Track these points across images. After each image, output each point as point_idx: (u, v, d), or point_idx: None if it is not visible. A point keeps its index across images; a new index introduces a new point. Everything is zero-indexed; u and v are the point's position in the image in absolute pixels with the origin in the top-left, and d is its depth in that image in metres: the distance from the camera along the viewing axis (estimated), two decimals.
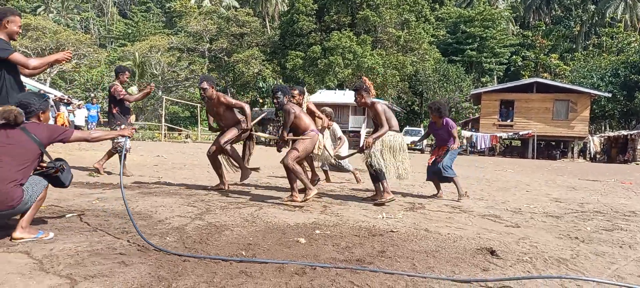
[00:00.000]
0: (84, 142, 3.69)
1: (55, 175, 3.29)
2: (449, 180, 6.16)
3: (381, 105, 5.30)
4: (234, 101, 5.82)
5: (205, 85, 5.70)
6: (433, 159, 6.24)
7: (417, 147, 27.72)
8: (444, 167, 6.05)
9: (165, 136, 25.10)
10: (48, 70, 31.66)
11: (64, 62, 4.19)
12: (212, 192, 5.85)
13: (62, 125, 16.62)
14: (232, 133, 5.87)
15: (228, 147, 5.87)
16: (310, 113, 5.82)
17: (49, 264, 2.60)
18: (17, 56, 3.92)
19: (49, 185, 3.30)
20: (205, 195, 5.52)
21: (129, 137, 4.00)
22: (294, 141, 5.21)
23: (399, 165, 5.44)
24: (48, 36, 35.07)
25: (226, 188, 6.12)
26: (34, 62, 4.05)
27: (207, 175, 7.72)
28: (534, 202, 6.29)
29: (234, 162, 6.04)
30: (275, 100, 5.34)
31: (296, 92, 5.81)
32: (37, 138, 3.13)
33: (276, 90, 5.37)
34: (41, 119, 3.37)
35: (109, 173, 7.15)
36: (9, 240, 3.04)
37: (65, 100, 23.20)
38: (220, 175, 6.19)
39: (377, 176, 5.39)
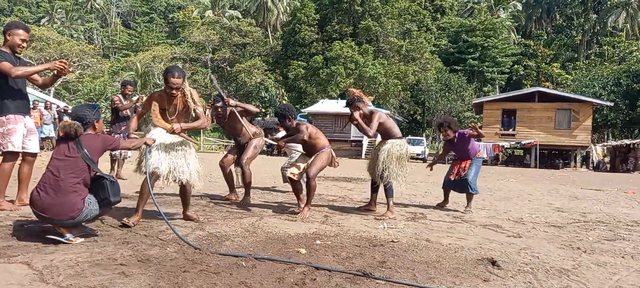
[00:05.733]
0: (128, 149, 3.96)
1: (103, 196, 3.45)
2: (470, 194, 6.02)
3: (378, 114, 5.21)
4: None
5: (221, 103, 5.69)
6: (456, 172, 6.07)
7: (420, 157, 27.69)
8: (470, 183, 5.89)
9: None
10: None
11: (63, 70, 4.26)
12: (213, 202, 5.85)
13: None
14: (252, 151, 5.87)
15: (247, 168, 5.82)
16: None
17: (49, 275, 2.60)
18: (1, 66, 4.23)
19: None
20: (205, 205, 5.52)
21: (149, 144, 4.01)
22: (314, 155, 5.08)
23: (402, 173, 5.31)
24: (52, 47, 35.34)
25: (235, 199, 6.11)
26: (17, 71, 4.33)
27: (209, 185, 7.73)
28: (536, 212, 6.27)
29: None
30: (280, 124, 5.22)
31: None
32: (88, 151, 3.38)
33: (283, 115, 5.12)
34: (96, 127, 3.63)
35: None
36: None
37: (69, 111, 23.39)
38: (231, 188, 6.18)
39: (385, 192, 5.24)
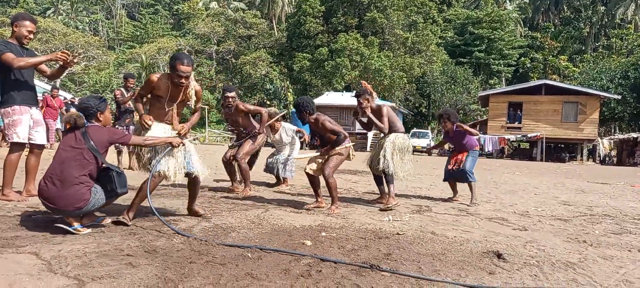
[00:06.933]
0: (140, 146, 3.82)
1: (110, 188, 3.46)
2: (469, 183, 6.05)
3: (386, 108, 5.35)
4: (252, 107, 6.17)
5: (234, 94, 6.08)
6: (453, 163, 6.13)
7: (423, 149, 27.63)
8: (467, 172, 5.95)
9: None
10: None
11: (66, 61, 4.29)
12: (219, 193, 5.88)
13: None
14: (249, 146, 6.17)
15: (243, 163, 6.07)
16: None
17: (57, 265, 2.63)
18: (5, 56, 4.29)
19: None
20: (211, 197, 5.54)
21: (176, 146, 3.76)
22: (333, 153, 5.02)
23: (405, 167, 5.42)
24: (57, 38, 35.38)
25: (236, 191, 6.20)
26: (19, 62, 4.38)
27: (214, 177, 7.75)
28: (542, 205, 6.25)
29: (243, 175, 6.16)
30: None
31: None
32: (95, 143, 3.37)
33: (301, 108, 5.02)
34: (101, 118, 3.56)
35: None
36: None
37: (76, 102, 23.52)
38: (233, 180, 6.34)
39: (386, 180, 5.34)
